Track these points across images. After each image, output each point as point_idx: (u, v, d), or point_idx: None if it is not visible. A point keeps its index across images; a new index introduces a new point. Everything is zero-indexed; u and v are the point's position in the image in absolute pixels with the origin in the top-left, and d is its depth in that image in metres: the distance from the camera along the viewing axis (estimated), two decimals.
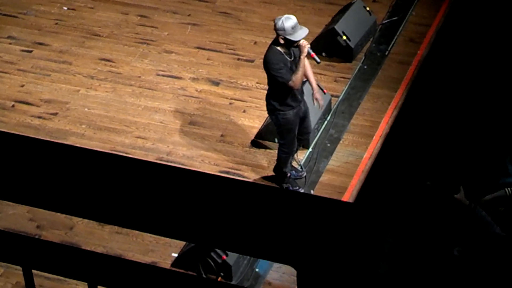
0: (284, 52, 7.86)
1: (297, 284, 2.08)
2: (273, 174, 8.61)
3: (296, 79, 7.82)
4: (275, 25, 7.82)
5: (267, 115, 9.22)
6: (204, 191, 2.02)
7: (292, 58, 7.91)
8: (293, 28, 7.75)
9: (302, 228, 1.96)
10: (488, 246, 7.59)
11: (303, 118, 8.22)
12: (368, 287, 2.08)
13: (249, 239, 1.99)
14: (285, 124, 8.10)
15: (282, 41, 7.80)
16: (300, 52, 7.83)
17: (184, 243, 7.78)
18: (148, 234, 7.96)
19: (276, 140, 8.90)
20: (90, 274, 2.15)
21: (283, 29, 7.75)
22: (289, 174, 8.48)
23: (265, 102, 9.49)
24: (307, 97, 8.38)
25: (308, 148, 8.92)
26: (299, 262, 2.00)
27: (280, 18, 7.80)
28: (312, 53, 7.95)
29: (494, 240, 7.64)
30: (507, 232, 7.72)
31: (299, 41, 7.79)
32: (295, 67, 7.85)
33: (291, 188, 8.40)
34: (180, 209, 2.00)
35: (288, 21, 7.75)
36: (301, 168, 8.66)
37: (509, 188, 8.34)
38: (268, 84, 8.11)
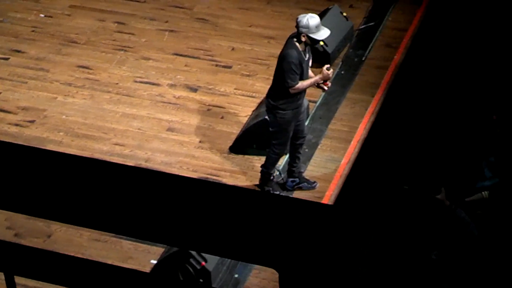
0: (302, 50, 7.90)
1: (280, 286, 2.08)
2: (251, 181, 8.62)
3: (298, 88, 7.91)
4: (298, 23, 7.85)
5: (245, 121, 9.24)
6: (186, 195, 2.02)
7: (307, 59, 7.96)
8: (317, 27, 7.83)
9: (284, 231, 1.97)
10: (467, 248, 7.64)
11: (298, 120, 8.21)
12: None
13: (231, 242, 1.99)
14: (282, 124, 8.09)
15: (303, 39, 7.85)
16: (321, 73, 7.96)
17: (163, 250, 7.77)
18: (127, 241, 7.97)
19: (254, 146, 8.90)
20: (73, 279, 2.15)
21: (308, 27, 7.80)
22: (272, 177, 8.48)
23: (244, 108, 9.53)
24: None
25: (286, 154, 8.92)
26: (281, 265, 2.01)
27: (305, 16, 7.86)
28: (327, 83, 8.12)
29: (472, 242, 7.69)
30: (485, 234, 7.77)
31: (320, 40, 7.89)
32: (306, 68, 7.91)
33: (271, 192, 8.41)
34: (161, 213, 2.00)
35: (313, 19, 7.83)
36: (280, 173, 8.67)
37: (485, 192, 8.40)
38: (274, 80, 8.07)
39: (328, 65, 8.18)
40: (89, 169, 2.20)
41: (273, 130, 8.22)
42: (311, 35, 7.83)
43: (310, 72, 8.15)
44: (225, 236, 2.05)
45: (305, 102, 8.40)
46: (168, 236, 2.08)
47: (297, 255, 2.00)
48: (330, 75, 8.09)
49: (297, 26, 7.87)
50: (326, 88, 8.21)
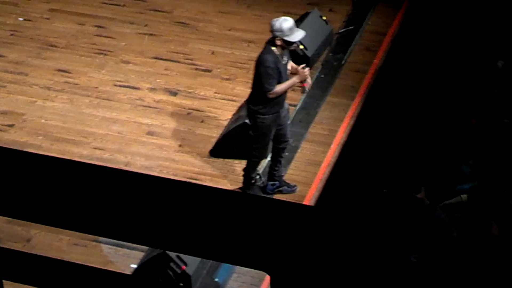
0: (278, 54, 7.88)
1: None
2: (231, 184, 8.62)
3: (277, 92, 7.88)
4: (272, 27, 7.84)
5: (225, 124, 9.24)
6: (176, 197, 2.02)
7: (285, 62, 7.94)
8: (291, 29, 7.81)
9: (275, 233, 1.96)
10: (446, 250, 7.67)
11: (280, 125, 8.20)
12: None
13: (223, 245, 1.99)
14: (261, 129, 8.08)
15: (279, 43, 7.83)
16: (298, 73, 7.91)
17: (143, 254, 7.75)
18: (107, 245, 7.94)
19: (234, 149, 8.90)
20: (54, 281, 2.15)
21: (281, 30, 7.79)
22: (254, 181, 8.48)
23: (224, 112, 9.53)
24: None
25: (266, 158, 8.93)
26: (273, 267, 2.01)
27: (278, 20, 7.85)
28: (305, 83, 8.09)
29: (451, 243, 7.72)
30: (463, 237, 7.80)
31: (295, 42, 7.86)
32: (284, 72, 7.89)
33: None
34: (152, 215, 2.00)
35: (286, 22, 7.81)
36: (260, 177, 8.67)
37: (464, 195, 8.44)
38: (253, 86, 8.06)
39: (303, 65, 8.14)
40: (69, 171, 2.19)
41: (254, 134, 8.22)
42: (286, 38, 7.82)
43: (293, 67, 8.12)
44: (217, 239, 2.05)
45: (285, 105, 8.39)
46: (158, 238, 2.08)
47: (289, 258, 2.00)
48: (307, 74, 8.03)
49: (271, 30, 7.87)
50: (305, 88, 8.19)
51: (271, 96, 7.88)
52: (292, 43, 7.89)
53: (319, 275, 2.01)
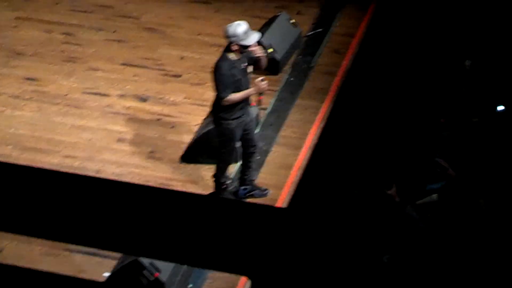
0: (235, 60, 7.85)
1: None
2: (203, 189, 8.60)
3: (230, 100, 7.84)
4: (226, 33, 7.80)
5: (195, 130, 9.23)
6: (150, 204, 2.01)
7: (243, 67, 7.91)
8: (245, 33, 7.78)
9: (255, 237, 1.96)
10: (416, 248, 7.71)
11: (246, 130, 8.19)
12: None
13: (199, 250, 1.99)
14: (227, 134, 8.07)
15: (235, 48, 7.80)
16: (256, 86, 7.89)
17: (115, 262, 7.71)
18: (79, 254, 7.89)
19: (205, 155, 8.90)
20: None
21: (235, 35, 7.75)
22: (224, 186, 8.48)
23: (194, 117, 9.53)
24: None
25: (236, 162, 8.93)
26: (254, 272, 2.00)
27: (231, 25, 7.80)
28: (261, 96, 8.08)
29: (421, 239, 7.76)
30: (435, 236, 7.85)
31: (252, 45, 7.83)
32: (243, 77, 7.87)
33: None
34: (125, 222, 1.99)
35: (239, 27, 7.77)
36: (231, 181, 8.67)
37: (434, 195, 8.50)
38: (215, 92, 8.06)
39: (262, 77, 8.09)
40: (39, 179, 2.18)
41: (220, 140, 8.23)
42: (241, 42, 7.79)
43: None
44: (191, 244, 2.05)
45: (254, 110, 8.37)
46: (132, 245, 2.07)
47: (269, 262, 2.00)
48: (264, 87, 8.00)
49: (226, 36, 7.83)
50: (261, 101, 8.23)
51: (225, 103, 7.86)
52: (248, 46, 7.85)
53: (297, 277, 2.01)
